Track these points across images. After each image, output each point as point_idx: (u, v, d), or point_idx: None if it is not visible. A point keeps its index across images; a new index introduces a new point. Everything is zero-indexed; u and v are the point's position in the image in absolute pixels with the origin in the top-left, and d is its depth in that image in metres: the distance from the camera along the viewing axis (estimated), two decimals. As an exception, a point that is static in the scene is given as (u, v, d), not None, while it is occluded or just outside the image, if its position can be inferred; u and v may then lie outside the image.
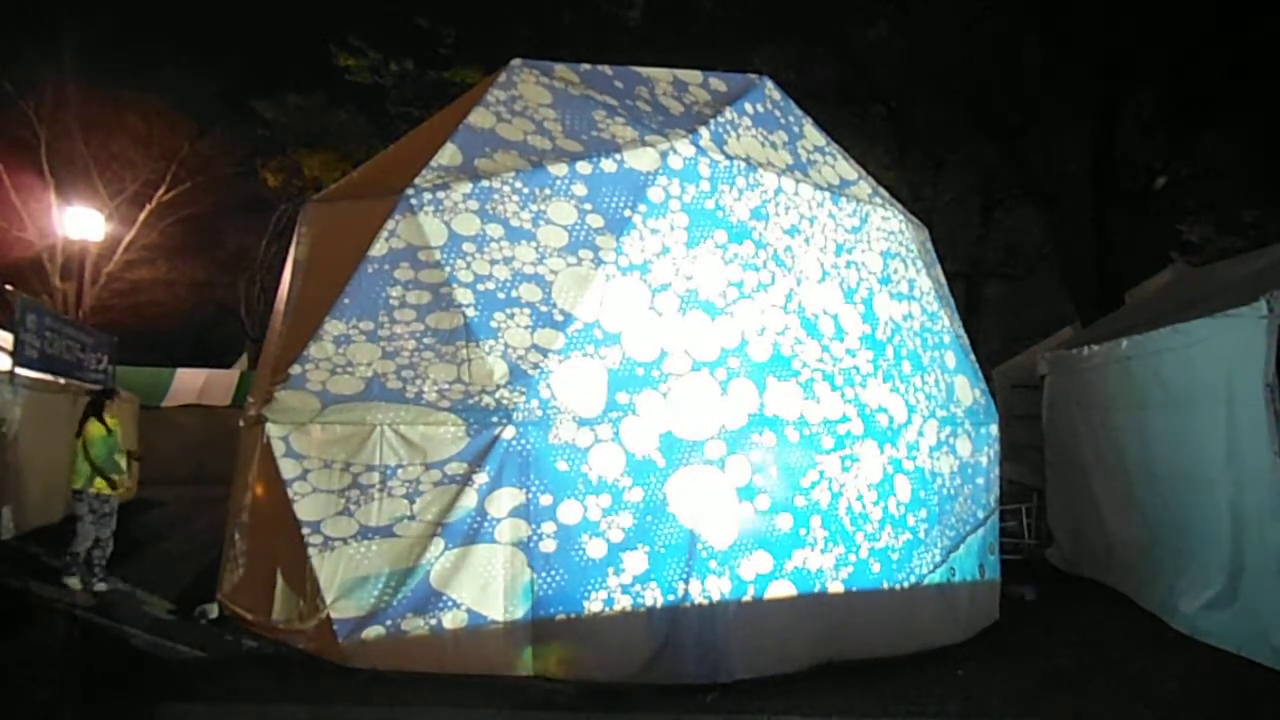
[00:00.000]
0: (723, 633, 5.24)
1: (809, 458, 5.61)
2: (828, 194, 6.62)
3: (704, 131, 6.31)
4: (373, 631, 5.12)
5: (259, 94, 24.41)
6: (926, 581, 5.97)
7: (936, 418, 6.33)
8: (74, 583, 7.05)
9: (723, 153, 6.26)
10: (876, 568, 5.76)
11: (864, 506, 5.76)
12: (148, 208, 23.47)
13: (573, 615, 5.13)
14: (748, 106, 6.89)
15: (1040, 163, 14.60)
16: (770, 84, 7.33)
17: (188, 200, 24.08)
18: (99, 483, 7.18)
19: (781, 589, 5.43)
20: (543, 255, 5.73)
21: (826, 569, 5.57)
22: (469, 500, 5.14)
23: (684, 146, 6.13)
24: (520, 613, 5.15)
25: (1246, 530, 5.84)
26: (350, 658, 5.13)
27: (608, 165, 6.03)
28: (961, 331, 7.29)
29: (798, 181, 6.50)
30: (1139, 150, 14.60)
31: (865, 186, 7.15)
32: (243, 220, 26.34)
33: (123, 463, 7.48)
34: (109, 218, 21.37)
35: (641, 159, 6.05)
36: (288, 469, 5.30)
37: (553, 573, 5.14)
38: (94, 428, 7.23)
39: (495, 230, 5.78)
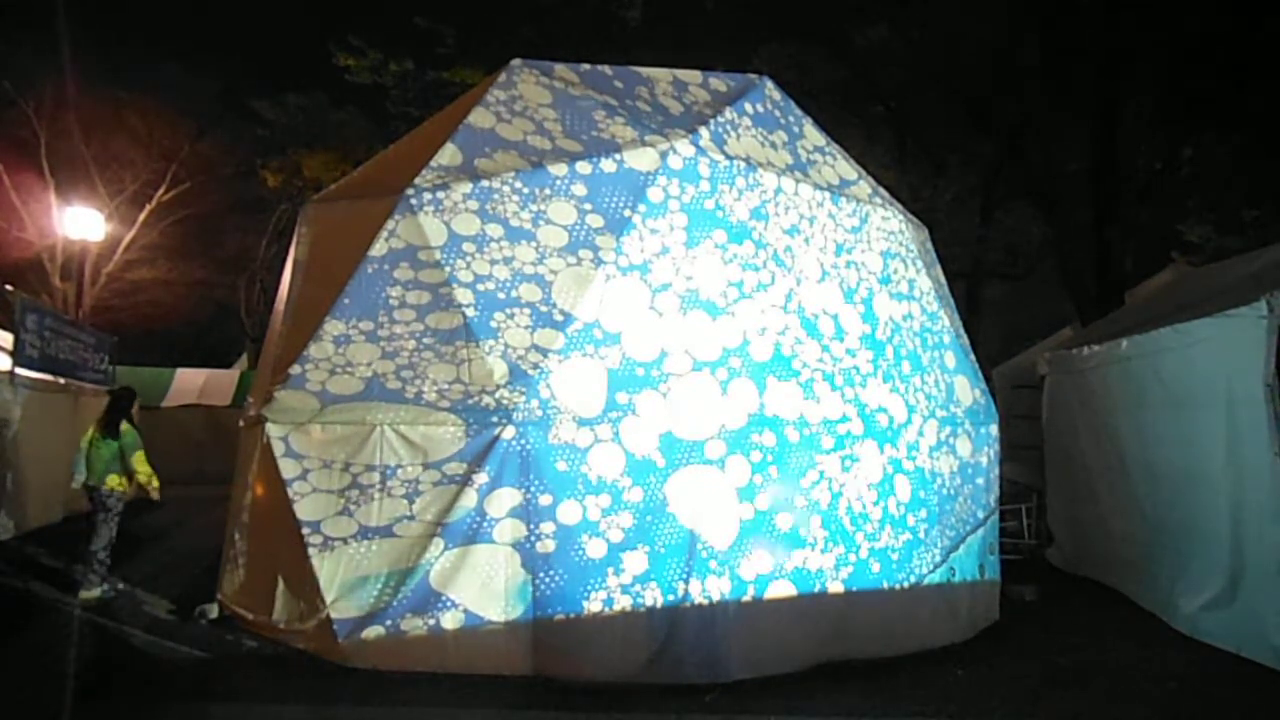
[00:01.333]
0: (723, 633, 5.24)
1: (809, 458, 5.61)
2: (828, 194, 6.62)
3: (704, 131, 6.31)
4: (373, 631, 5.12)
5: (259, 94, 24.43)
6: (926, 581, 5.97)
7: (936, 418, 6.33)
8: (94, 594, 6.97)
9: (723, 153, 6.26)
10: (876, 568, 5.75)
11: (864, 506, 5.76)
12: (148, 208, 23.47)
13: (572, 615, 5.13)
14: (748, 106, 6.88)
15: (1040, 163, 14.60)
16: (770, 84, 7.32)
17: (188, 200, 24.08)
18: (111, 480, 7.22)
19: (781, 589, 5.42)
20: (543, 255, 5.73)
21: (826, 569, 5.57)
22: (468, 500, 5.14)
23: (684, 146, 6.13)
24: (520, 613, 5.15)
25: (1247, 530, 5.83)
26: (350, 658, 5.13)
27: (607, 165, 6.03)
28: (961, 331, 7.29)
29: (798, 181, 6.50)
30: (1139, 151, 14.60)
31: (865, 186, 7.15)
32: (243, 220, 26.37)
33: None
34: (109, 218, 21.37)
35: (641, 159, 6.05)
36: (288, 469, 5.30)
37: (552, 573, 5.14)
38: (129, 430, 7.37)
39: (495, 230, 5.78)
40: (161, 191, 23.58)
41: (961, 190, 17.49)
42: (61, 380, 11.35)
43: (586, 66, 7.01)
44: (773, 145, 6.78)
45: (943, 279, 7.60)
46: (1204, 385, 6.22)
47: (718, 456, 5.40)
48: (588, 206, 5.91)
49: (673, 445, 5.36)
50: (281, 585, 5.54)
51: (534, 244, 5.76)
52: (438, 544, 5.12)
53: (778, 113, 7.18)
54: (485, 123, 6.33)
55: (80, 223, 19.21)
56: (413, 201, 5.80)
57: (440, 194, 5.84)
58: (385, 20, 24.06)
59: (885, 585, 5.78)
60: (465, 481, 5.15)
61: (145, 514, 13.09)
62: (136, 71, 22.69)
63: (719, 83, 7.17)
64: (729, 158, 6.25)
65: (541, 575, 5.14)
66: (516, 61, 6.82)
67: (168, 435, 18.16)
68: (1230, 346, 5.90)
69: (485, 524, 5.15)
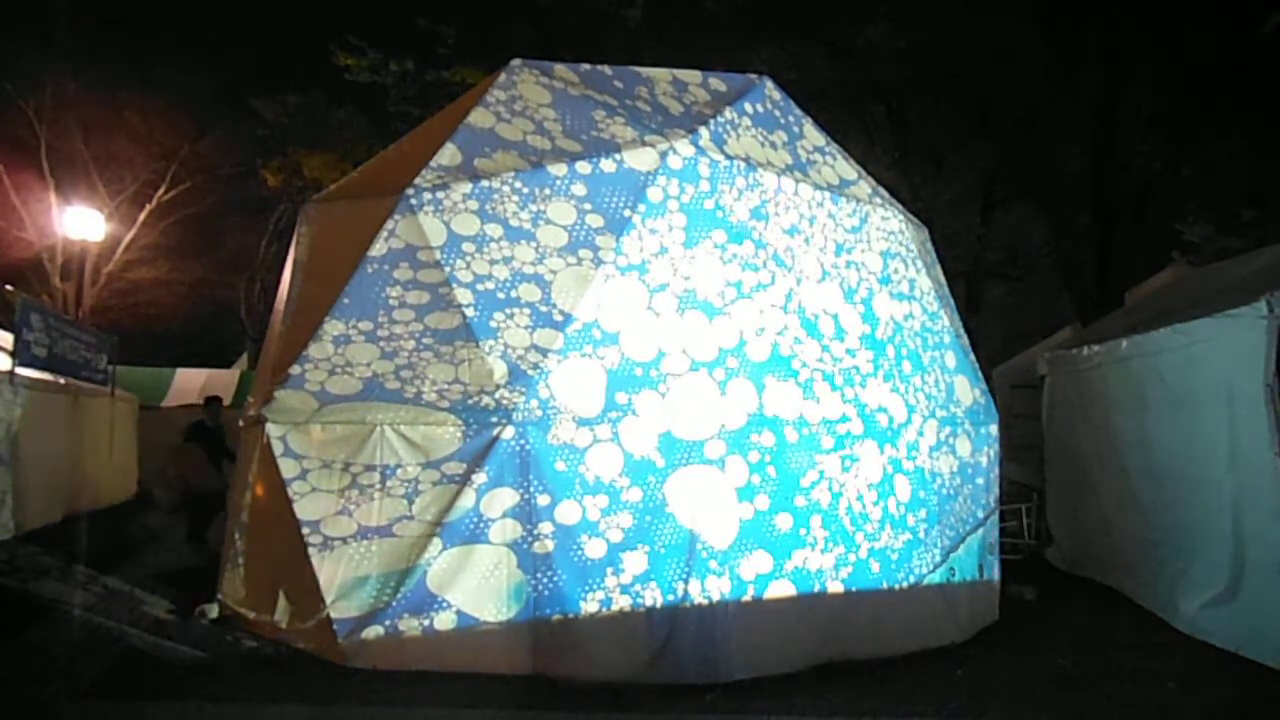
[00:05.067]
0: (723, 633, 5.24)
1: (809, 458, 5.61)
2: (828, 194, 6.62)
3: (704, 131, 6.30)
4: (372, 631, 5.12)
5: (259, 94, 24.41)
6: (926, 581, 5.97)
7: (936, 418, 6.33)
8: None
9: (722, 153, 6.26)
10: (876, 568, 5.75)
11: (864, 506, 5.76)
12: (148, 208, 23.48)
13: (572, 615, 5.13)
14: (748, 106, 6.88)
15: (1040, 163, 14.60)
16: (770, 84, 7.32)
17: (188, 200, 24.10)
18: None
19: (781, 589, 5.42)
20: (542, 255, 5.73)
21: (826, 569, 5.57)
22: (467, 500, 5.14)
23: (683, 146, 6.13)
24: (519, 613, 5.15)
25: (1248, 529, 5.84)
26: (350, 658, 5.13)
27: (607, 165, 6.02)
28: (961, 331, 7.29)
29: (797, 181, 6.49)
30: (1139, 150, 14.61)
31: (865, 186, 7.14)
32: (243, 220, 26.36)
33: None
34: (109, 218, 21.36)
35: (641, 159, 6.04)
36: (287, 469, 5.30)
37: (551, 573, 5.14)
38: None
39: (495, 230, 5.78)
40: (161, 191, 23.58)
41: (961, 190, 17.48)
42: (62, 380, 11.33)
43: (586, 66, 7.01)
44: (773, 145, 6.78)
45: (943, 279, 7.60)
46: (1204, 385, 6.22)
47: (717, 456, 5.40)
48: (587, 206, 5.90)
49: (672, 445, 5.35)
50: (281, 585, 5.54)
51: (533, 244, 5.76)
52: (436, 544, 5.11)
53: (778, 113, 7.18)
54: (485, 123, 6.33)
55: (80, 223, 19.19)
56: (412, 201, 5.80)
57: (440, 194, 5.84)
58: (385, 20, 24.01)
59: (885, 585, 5.78)
60: (464, 481, 5.15)
61: (145, 514, 13.09)
62: (136, 71, 22.68)
63: (719, 83, 7.16)
64: (729, 158, 6.25)
65: (540, 575, 5.14)
66: (516, 61, 6.81)
67: (168, 435, 18.09)
68: (1230, 346, 5.90)
69: (484, 524, 5.15)
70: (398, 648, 5.11)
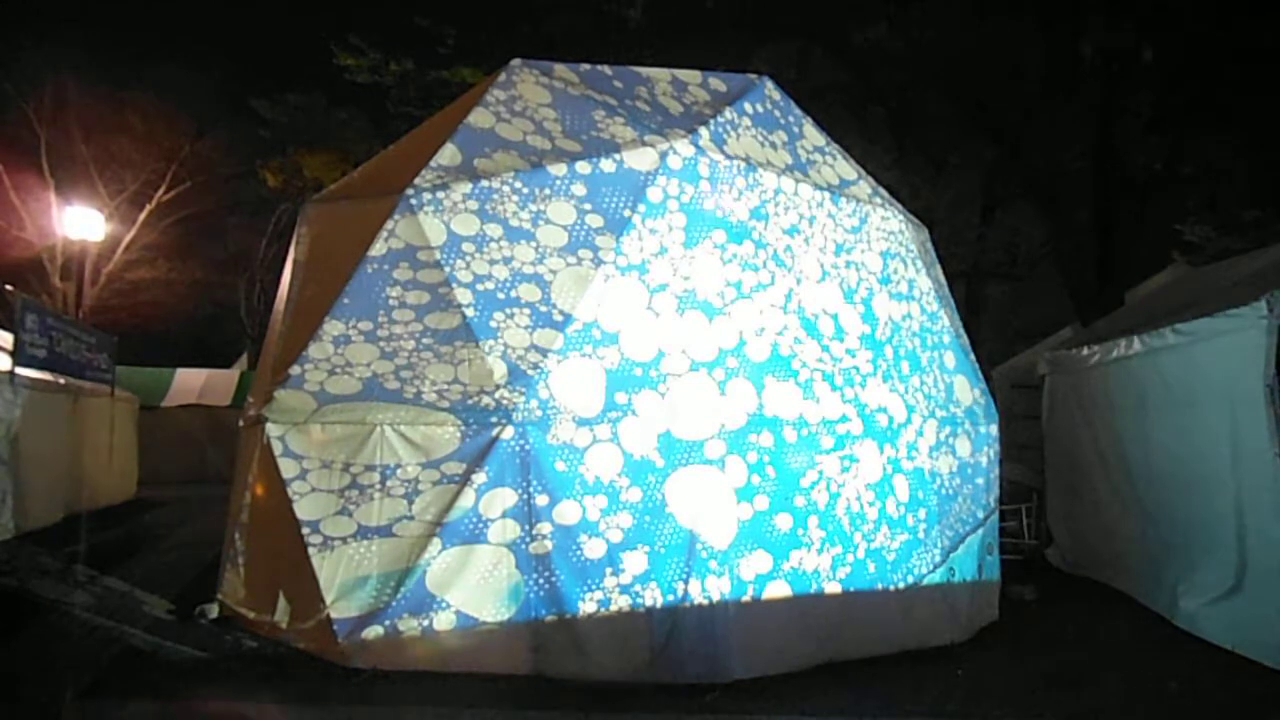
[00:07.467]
0: (723, 633, 5.24)
1: (808, 458, 5.61)
2: (827, 194, 6.62)
3: (703, 131, 6.30)
4: (372, 631, 5.12)
5: (259, 94, 24.43)
6: (926, 581, 5.97)
7: (936, 418, 6.33)
8: None
9: (722, 153, 6.26)
10: (874, 568, 5.75)
11: (862, 507, 5.76)
12: (148, 208, 23.53)
13: (571, 615, 5.13)
14: (747, 106, 6.88)
15: (1040, 163, 14.61)
16: (770, 84, 7.32)
17: (188, 200, 24.14)
18: None
19: (781, 589, 5.42)
20: (542, 255, 5.73)
21: (824, 569, 5.57)
22: (467, 500, 5.14)
23: (683, 146, 6.13)
24: (518, 613, 5.15)
25: (1250, 529, 5.84)
26: (350, 658, 5.13)
27: (607, 165, 6.02)
28: (961, 331, 7.29)
29: (797, 181, 6.50)
30: (1139, 150, 14.62)
31: (865, 186, 7.14)
32: (243, 220, 26.42)
33: None
34: (109, 218, 21.38)
35: (641, 159, 6.04)
36: (287, 469, 5.29)
37: (551, 573, 5.14)
38: None
39: (494, 230, 5.78)
40: (161, 191, 23.62)
41: (961, 190, 17.48)
42: (62, 380, 11.34)
43: (586, 66, 7.01)
44: (772, 145, 6.78)
45: (943, 279, 7.60)
46: (1205, 385, 6.22)
47: (717, 456, 5.40)
48: (587, 206, 5.90)
49: (672, 445, 5.35)
50: (281, 585, 5.54)
51: (533, 244, 5.76)
52: (435, 544, 5.11)
53: (777, 113, 7.18)
54: (485, 123, 6.33)
55: (80, 223, 19.20)
56: (412, 201, 5.80)
57: (440, 194, 5.84)
58: (385, 20, 24.02)
59: (884, 586, 5.78)
60: (464, 482, 5.15)
61: (145, 514, 13.11)
62: (136, 71, 22.72)
63: (719, 83, 7.16)
64: (729, 158, 6.25)
65: (540, 575, 5.14)
66: (516, 61, 6.81)
67: (168, 435, 18.21)
68: (1230, 346, 5.91)
69: (483, 524, 5.15)
70: (397, 648, 5.11)
